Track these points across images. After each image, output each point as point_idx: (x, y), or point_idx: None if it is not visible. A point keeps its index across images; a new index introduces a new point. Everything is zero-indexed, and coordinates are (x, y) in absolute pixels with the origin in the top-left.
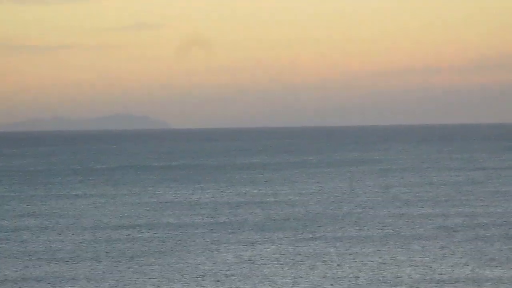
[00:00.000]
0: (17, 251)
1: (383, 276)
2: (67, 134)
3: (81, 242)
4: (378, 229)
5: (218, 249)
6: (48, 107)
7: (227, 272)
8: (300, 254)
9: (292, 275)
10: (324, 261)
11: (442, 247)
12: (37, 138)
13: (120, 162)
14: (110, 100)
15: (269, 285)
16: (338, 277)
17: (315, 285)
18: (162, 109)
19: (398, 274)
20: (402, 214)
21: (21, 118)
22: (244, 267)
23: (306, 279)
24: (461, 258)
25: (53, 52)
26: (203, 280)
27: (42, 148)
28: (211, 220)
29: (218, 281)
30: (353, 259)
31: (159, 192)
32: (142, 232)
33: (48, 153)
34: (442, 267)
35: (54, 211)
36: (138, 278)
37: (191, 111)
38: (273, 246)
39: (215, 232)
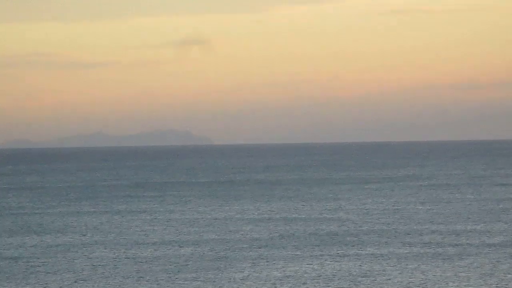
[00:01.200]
0: (63, 267)
1: None
2: (110, 150)
3: (125, 258)
4: (425, 246)
5: (263, 264)
6: (91, 124)
7: (282, 285)
8: (343, 270)
9: None
10: (367, 277)
11: (490, 263)
12: (80, 154)
13: (166, 178)
14: (152, 116)
15: None
16: None
17: None
18: (204, 125)
19: None
20: (453, 230)
21: (64, 134)
22: (288, 283)
23: None
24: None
25: (94, 68)
26: None
27: (85, 164)
28: (256, 236)
29: None
30: (399, 275)
31: (203, 208)
32: (187, 247)
33: (92, 169)
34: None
35: (100, 226)
36: None
37: (233, 127)
38: (316, 262)
39: (260, 248)
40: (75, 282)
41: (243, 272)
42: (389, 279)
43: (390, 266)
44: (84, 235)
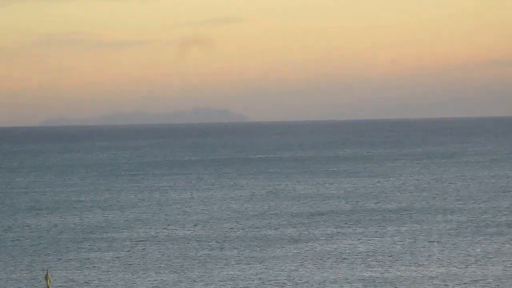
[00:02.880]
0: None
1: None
2: (149, 128)
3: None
4: (464, 222)
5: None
6: (131, 102)
7: (324, 260)
8: (384, 247)
9: (375, 264)
10: (407, 253)
11: None
12: (121, 132)
13: (206, 155)
14: (188, 94)
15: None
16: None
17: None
18: (240, 103)
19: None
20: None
21: (105, 112)
22: (329, 259)
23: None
24: None
25: (133, 47)
26: (321, 266)
27: (127, 142)
28: (296, 212)
29: (342, 268)
30: (442, 249)
31: (235, 185)
32: (227, 223)
33: (135, 147)
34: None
35: (141, 202)
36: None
37: (269, 105)
38: (356, 239)
39: (298, 226)
40: (117, 258)
41: (283, 249)
42: (430, 256)
43: (429, 242)
44: (123, 211)
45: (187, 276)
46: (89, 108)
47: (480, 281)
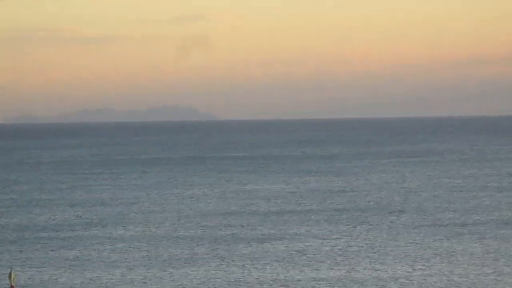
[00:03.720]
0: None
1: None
2: (116, 126)
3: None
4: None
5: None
6: (96, 99)
7: (315, 257)
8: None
9: (361, 259)
10: (395, 249)
11: (497, 239)
12: (86, 129)
13: (178, 153)
14: (158, 92)
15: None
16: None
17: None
18: (209, 101)
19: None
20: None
21: (70, 109)
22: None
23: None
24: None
25: (100, 43)
26: (288, 266)
27: (91, 140)
28: (273, 210)
29: (307, 267)
30: (427, 246)
31: (209, 183)
32: (199, 226)
33: (99, 144)
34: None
35: (109, 201)
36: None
37: (237, 103)
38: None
39: (276, 224)
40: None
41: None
42: (397, 254)
43: (395, 240)
44: (89, 209)
45: (154, 275)
46: (56, 105)
47: (446, 279)
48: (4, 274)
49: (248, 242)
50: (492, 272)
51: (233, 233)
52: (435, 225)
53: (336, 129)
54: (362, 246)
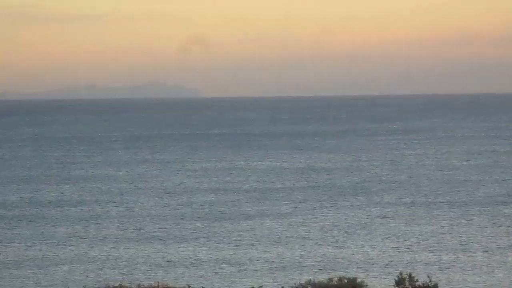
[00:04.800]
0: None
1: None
2: (101, 103)
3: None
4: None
5: (292, 214)
6: (82, 76)
7: (302, 234)
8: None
9: (356, 236)
10: (383, 224)
11: (490, 216)
12: (72, 107)
13: (167, 130)
14: (143, 69)
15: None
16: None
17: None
18: (194, 78)
19: (441, 241)
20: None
21: (55, 87)
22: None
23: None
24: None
25: (86, 21)
26: (275, 243)
27: (78, 116)
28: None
29: (296, 244)
30: (414, 222)
31: (202, 159)
32: (193, 197)
33: (86, 121)
34: (483, 235)
35: (98, 177)
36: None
37: (223, 80)
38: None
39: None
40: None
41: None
42: (384, 231)
43: (384, 217)
44: (75, 186)
45: (141, 251)
46: (38, 82)
47: (433, 255)
48: None
49: (235, 219)
50: (479, 248)
51: (219, 210)
52: (422, 202)
53: (320, 107)
54: (349, 223)
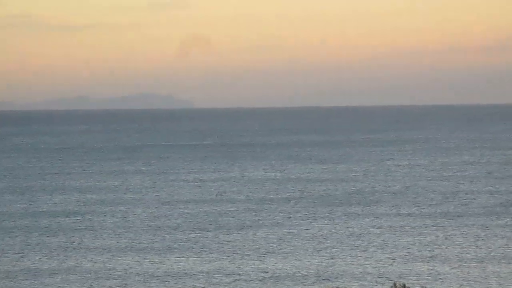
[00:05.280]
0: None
1: (433, 252)
2: (93, 114)
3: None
4: (434, 206)
5: (288, 224)
6: (73, 87)
7: (297, 244)
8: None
9: (353, 246)
10: (381, 234)
11: (494, 225)
12: (64, 117)
13: (161, 140)
14: (134, 79)
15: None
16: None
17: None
18: (185, 89)
19: (442, 252)
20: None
21: (47, 98)
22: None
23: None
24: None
25: (77, 31)
26: (269, 253)
27: (70, 127)
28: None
29: (290, 254)
30: (408, 233)
31: (195, 170)
32: (184, 212)
33: (79, 132)
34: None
35: (93, 188)
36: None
37: (214, 91)
38: (327, 222)
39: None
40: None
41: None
42: (376, 240)
43: (378, 228)
44: (70, 196)
45: (137, 262)
46: (30, 93)
47: (429, 266)
48: None
49: (229, 230)
50: (473, 258)
51: (213, 221)
52: (416, 213)
53: (317, 117)
54: (343, 234)
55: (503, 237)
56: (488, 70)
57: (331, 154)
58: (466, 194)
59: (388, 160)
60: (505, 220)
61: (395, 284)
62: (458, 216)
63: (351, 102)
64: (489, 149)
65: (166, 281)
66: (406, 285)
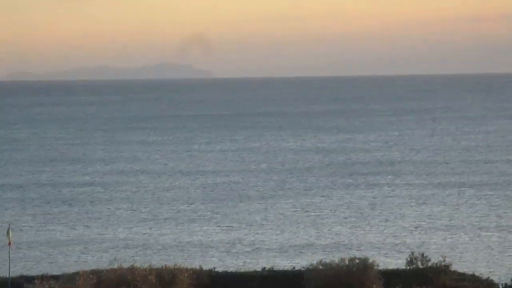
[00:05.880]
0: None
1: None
2: (112, 84)
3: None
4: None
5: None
6: (94, 56)
7: (317, 215)
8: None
9: (359, 216)
10: (389, 204)
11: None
12: (83, 87)
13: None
14: (155, 49)
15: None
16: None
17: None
18: (205, 58)
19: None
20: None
21: (67, 67)
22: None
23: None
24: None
25: (97, 0)
26: (289, 223)
27: (90, 97)
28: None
29: (309, 225)
30: (427, 203)
31: (214, 140)
32: (202, 179)
33: (99, 102)
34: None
35: (109, 157)
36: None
37: (234, 60)
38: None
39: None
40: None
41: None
42: (397, 210)
43: (399, 196)
44: (92, 166)
45: (155, 232)
46: (50, 62)
47: (448, 235)
48: (3, 230)
49: (249, 200)
50: (493, 228)
51: (231, 191)
52: (436, 183)
53: (336, 87)
54: (363, 204)
55: None
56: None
57: (350, 124)
58: (486, 163)
59: (407, 129)
60: None
61: (412, 253)
62: (477, 186)
63: (369, 71)
64: (509, 117)
65: (186, 250)
66: (424, 254)
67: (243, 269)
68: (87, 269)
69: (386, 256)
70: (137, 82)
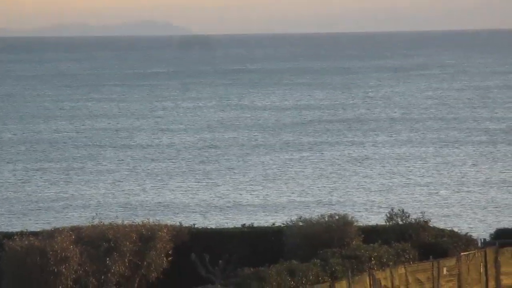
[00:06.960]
0: None
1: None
2: (91, 41)
3: None
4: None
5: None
6: (72, 13)
7: (299, 171)
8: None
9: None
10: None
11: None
12: (63, 44)
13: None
14: (133, 6)
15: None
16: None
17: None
18: (183, 15)
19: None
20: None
21: (45, 24)
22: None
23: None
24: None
25: None
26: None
27: (69, 54)
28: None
29: (291, 181)
30: (407, 160)
31: (204, 95)
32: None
33: (78, 59)
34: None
35: (99, 112)
36: None
37: (213, 17)
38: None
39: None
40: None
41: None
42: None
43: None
44: (72, 123)
45: (138, 188)
46: (26, 19)
47: (430, 192)
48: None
49: (229, 157)
50: (473, 184)
51: (214, 147)
52: (416, 140)
53: (325, 44)
54: (344, 160)
55: (505, 162)
56: None
57: (336, 80)
58: (467, 120)
59: (386, 86)
60: (506, 147)
61: (392, 209)
62: (459, 142)
63: (361, 28)
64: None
65: (167, 206)
66: (404, 210)
67: (223, 226)
68: (67, 225)
69: (366, 212)
70: (115, 39)
